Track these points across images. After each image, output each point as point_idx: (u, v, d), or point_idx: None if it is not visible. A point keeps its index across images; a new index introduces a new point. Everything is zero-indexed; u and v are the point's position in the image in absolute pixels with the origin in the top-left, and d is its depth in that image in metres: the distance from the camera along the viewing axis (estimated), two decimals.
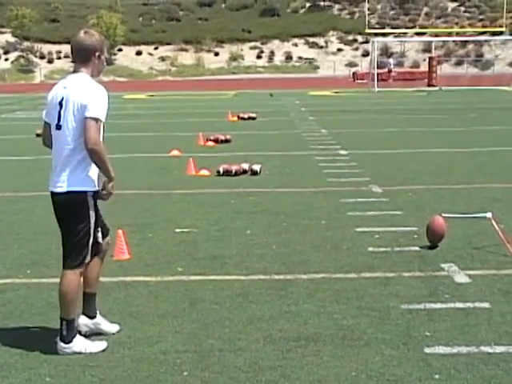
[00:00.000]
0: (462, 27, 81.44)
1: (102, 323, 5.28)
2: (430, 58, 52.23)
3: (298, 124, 21.92)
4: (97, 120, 4.84)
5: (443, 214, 7.81)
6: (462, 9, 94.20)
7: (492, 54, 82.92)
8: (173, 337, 5.16)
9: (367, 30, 56.06)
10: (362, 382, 4.38)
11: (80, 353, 4.91)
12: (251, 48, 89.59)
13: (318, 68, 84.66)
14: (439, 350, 4.81)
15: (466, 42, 78.48)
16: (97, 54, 5.03)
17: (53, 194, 4.99)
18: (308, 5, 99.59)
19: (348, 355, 4.77)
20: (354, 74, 64.45)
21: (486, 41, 77.35)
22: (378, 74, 47.51)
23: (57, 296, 5.02)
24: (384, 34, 73.44)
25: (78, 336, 4.98)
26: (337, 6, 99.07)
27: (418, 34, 75.76)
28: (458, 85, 47.53)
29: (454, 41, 75.80)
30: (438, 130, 19.44)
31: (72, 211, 4.95)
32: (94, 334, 5.20)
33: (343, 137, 17.98)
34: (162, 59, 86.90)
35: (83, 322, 5.23)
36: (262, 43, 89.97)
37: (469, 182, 11.37)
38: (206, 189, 11.21)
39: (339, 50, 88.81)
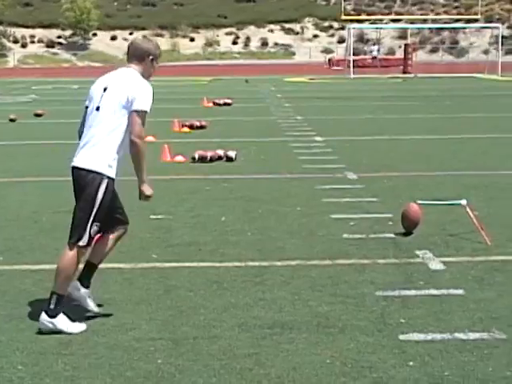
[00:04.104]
0: (437, 14, 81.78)
1: (90, 297, 5.26)
2: (406, 45, 52.41)
3: (274, 110, 21.90)
4: (144, 112, 5.02)
5: (418, 201, 7.83)
6: None
7: (467, 41, 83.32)
8: (147, 324, 5.13)
9: (343, 17, 56.15)
10: (336, 369, 4.38)
11: (61, 331, 4.93)
12: (227, 34, 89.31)
13: (294, 54, 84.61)
14: (414, 337, 4.82)
15: (442, 29, 78.69)
16: (151, 57, 5.24)
17: (74, 168, 5.09)
18: None
19: (323, 342, 4.77)
20: (329, 60, 64.48)
21: (461, 28, 77.60)
22: (354, 60, 47.54)
23: (30, 283, 4.98)
24: (360, 21, 73.52)
25: (62, 314, 4.99)
26: None
27: (393, 20, 75.89)
28: (434, 72, 47.69)
29: (429, 28, 76.06)
30: (414, 117, 19.50)
31: (84, 188, 5.03)
32: (75, 306, 5.18)
33: (319, 123, 17.97)
34: None
35: (76, 285, 5.19)
36: (238, 29, 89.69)
37: (444, 169, 11.42)
38: (181, 175, 11.17)
39: (315, 36, 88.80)
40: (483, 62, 52.57)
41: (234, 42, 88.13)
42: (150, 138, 15.28)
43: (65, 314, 5.04)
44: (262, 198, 9.36)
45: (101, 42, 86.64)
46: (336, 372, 4.34)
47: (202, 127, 17.19)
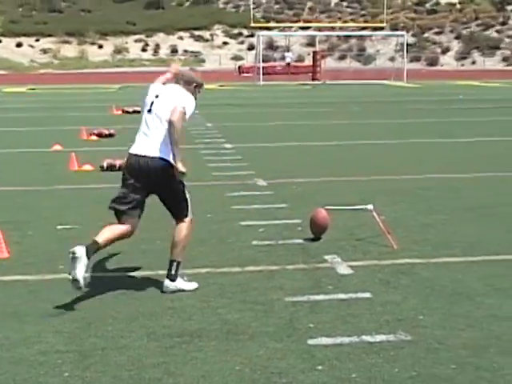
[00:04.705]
0: (344, 22, 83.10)
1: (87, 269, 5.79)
2: (314, 53, 53.14)
3: None
4: (184, 112, 5.91)
5: (326, 207, 7.93)
6: (345, 4, 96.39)
7: (374, 48, 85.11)
8: (53, 337, 5.03)
9: (252, 24, 56.44)
10: (245, 376, 4.39)
11: (183, 290, 5.92)
12: (136, 41, 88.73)
13: (204, 61, 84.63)
14: (322, 341, 4.88)
15: (349, 36, 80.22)
16: (194, 84, 6.27)
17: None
18: None
19: (232, 349, 4.78)
20: (239, 67, 64.78)
21: (367, 36, 79.20)
22: (264, 67, 47.90)
23: None
24: (269, 28, 74.13)
25: (179, 277, 5.98)
26: (222, 0, 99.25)
27: (302, 28, 76.81)
28: (342, 79, 48.52)
29: (337, 35, 77.35)
30: (323, 124, 19.77)
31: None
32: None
33: (229, 130, 18.03)
34: (44, 51, 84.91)
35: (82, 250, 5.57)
36: (147, 36, 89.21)
37: (352, 175, 11.61)
38: (89, 184, 11.02)
39: (225, 43, 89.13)
40: (389, 68, 53.77)
41: (144, 49, 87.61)
42: (57, 147, 15.06)
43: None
44: None
45: (5, 48, 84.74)
46: (245, 379, 4.36)
47: (110, 135, 17.00)
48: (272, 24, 75.08)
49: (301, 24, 78.37)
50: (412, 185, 10.74)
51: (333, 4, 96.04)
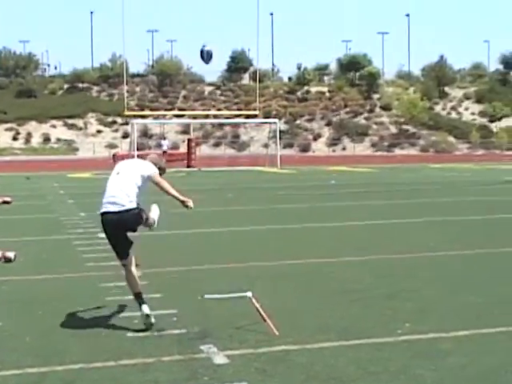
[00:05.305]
0: (218, 110, 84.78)
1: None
2: (189, 140, 53.73)
3: (56, 207, 21.45)
4: (155, 171, 8.11)
5: (205, 296, 7.89)
6: (219, 92, 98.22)
7: (248, 135, 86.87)
8: None
9: (126, 112, 56.69)
10: None
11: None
12: (7, 129, 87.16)
13: (78, 150, 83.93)
14: None
15: (223, 124, 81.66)
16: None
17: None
18: (66, 86, 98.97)
19: None
20: (114, 155, 64.52)
21: (241, 123, 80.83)
22: (138, 155, 47.88)
23: None
24: (143, 116, 74.64)
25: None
26: (96, 88, 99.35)
27: (176, 116, 77.72)
28: (217, 165, 49.13)
29: (211, 123, 78.58)
30: (199, 211, 19.79)
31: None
32: None
33: None
34: None
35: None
36: (19, 124, 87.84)
37: (229, 261, 11.64)
38: None
39: (99, 131, 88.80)
40: (263, 155, 54.88)
41: (15, 138, 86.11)
42: None
43: None
44: (42, 300, 9.04)
45: None
46: None
47: None
48: (146, 112, 75.76)
49: (175, 112, 79.34)
50: (290, 270, 10.86)
51: (207, 92, 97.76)
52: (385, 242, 13.73)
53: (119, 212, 7.90)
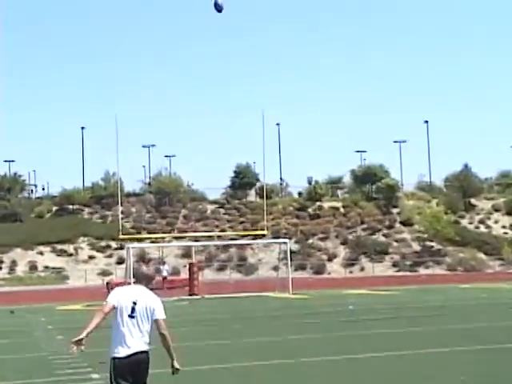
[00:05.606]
0: (222, 230, 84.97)
1: None
2: (191, 264, 53.71)
3: (44, 345, 21.35)
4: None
5: None
6: (222, 211, 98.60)
7: (255, 257, 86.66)
8: None
9: (121, 236, 56.94)
10: None
11: None
12: None
13: (68, 278, 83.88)
14: None
15: (228, 245, 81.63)
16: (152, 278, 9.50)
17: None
18: (55, 208, 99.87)
19: None
20: (107, 283, 64.37)
21: (248, 244, 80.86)
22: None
23: None
24: (140, 239, 74.92)
25: None
26: (87, 210, 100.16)
27: (176, 238, 77.99)
28: (222, 292, 48.94)
29: (215, 245, 78.60)
30: (200, 344, 19.69)
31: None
32: None
33: (97, 358, 17.62)
34: None
35: None
36: (2, 252, 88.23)
37: None
38: None
39: (91, 257, 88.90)
40: (273, 279, 54.76)
41: None
42: None
43: None
44: None
45: None
46: None
47: None
48: (143, 235, 76.09)
49: (175, 234, 79.65)
50: None
51: (209, 211, 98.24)
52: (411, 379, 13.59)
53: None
